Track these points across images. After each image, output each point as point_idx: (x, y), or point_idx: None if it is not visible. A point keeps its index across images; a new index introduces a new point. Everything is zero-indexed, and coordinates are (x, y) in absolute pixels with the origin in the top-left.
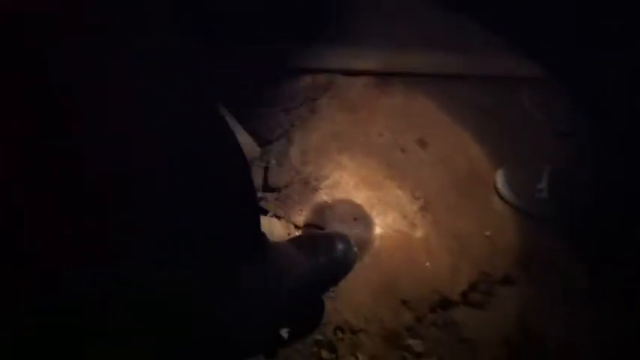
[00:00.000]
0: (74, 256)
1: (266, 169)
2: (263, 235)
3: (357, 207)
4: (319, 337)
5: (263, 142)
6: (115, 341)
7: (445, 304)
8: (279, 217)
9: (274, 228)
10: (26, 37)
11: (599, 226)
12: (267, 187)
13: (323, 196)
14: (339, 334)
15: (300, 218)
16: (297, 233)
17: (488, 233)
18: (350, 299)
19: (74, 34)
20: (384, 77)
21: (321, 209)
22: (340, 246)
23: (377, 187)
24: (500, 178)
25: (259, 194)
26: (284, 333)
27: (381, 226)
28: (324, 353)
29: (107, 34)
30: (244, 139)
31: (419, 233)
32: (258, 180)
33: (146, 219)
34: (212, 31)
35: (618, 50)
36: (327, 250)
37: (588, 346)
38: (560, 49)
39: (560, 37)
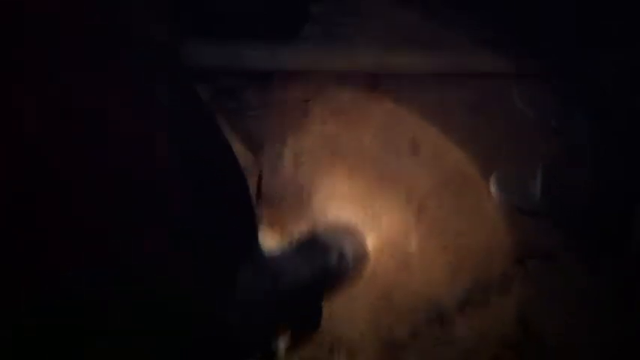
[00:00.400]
0: (74, 256)
1: (259, 177)
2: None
3: (351, 213)
4: (315, 352)
5: (255, 147)
6: (115, 341)
7: (442, 304)
8: (272, 226)
9: (268, 237)
10: (26, 37)
11: (599, 226)
12: (260, 196)
13: (316, 204)
14: (336, 348)
15: (294, 227)
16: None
17: (483, 233)
18: (345, 312)
19: (74, 34)
20: (375, 78)
21: (315, 217)
22: (334, 254)
23: (370, 191)
24: (493, 178)
25: None
26: (280, 347)
27: (376, 231)
28: None
29: (107, 34)
30: (236, 146)
31: (414, 236)
32: (250, 188)
33: (146, 219)
34: (212, 31)
35: (618, 50)
36: (321, 259)
37: (588, 346)
38: (560, 49)
39: (560, 37)
